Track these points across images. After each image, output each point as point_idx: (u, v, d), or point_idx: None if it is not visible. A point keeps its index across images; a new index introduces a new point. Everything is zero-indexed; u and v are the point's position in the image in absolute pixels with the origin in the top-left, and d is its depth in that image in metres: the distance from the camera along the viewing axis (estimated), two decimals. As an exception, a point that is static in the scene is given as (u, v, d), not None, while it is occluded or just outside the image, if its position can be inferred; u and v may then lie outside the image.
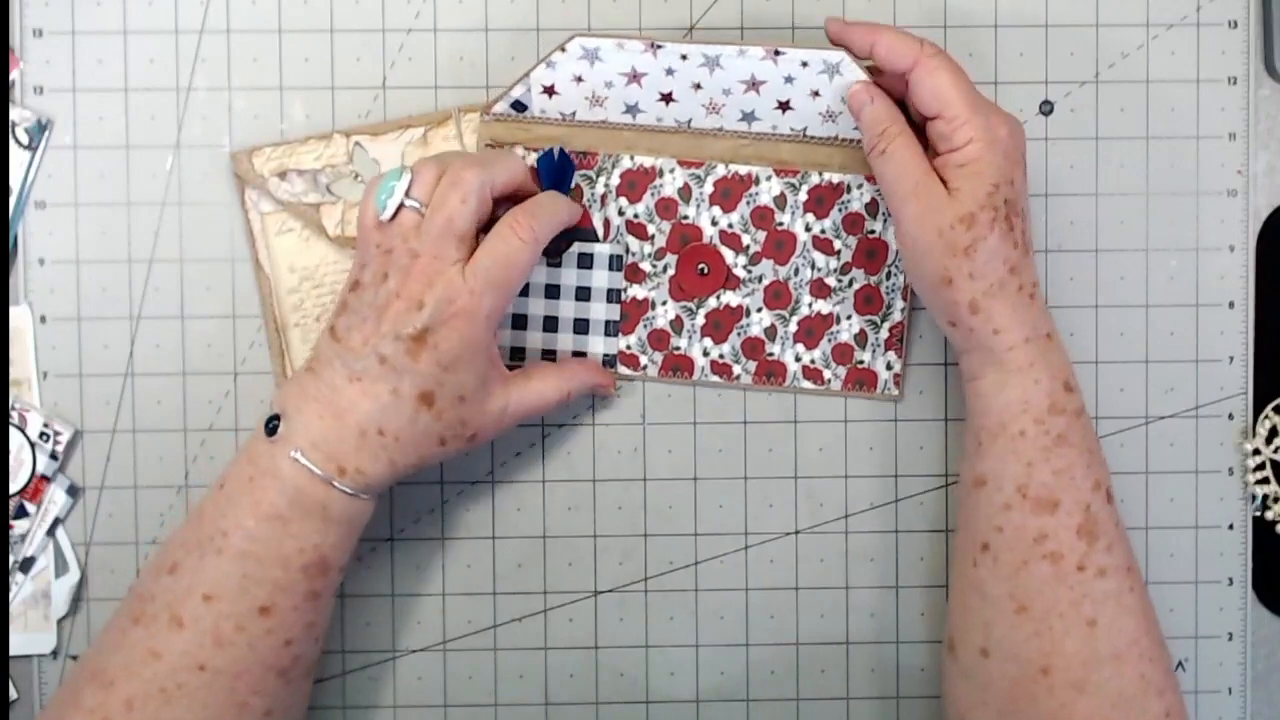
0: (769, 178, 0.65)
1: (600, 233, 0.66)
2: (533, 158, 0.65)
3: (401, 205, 0.58)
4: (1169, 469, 0.67)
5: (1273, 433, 0.67)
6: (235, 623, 0.57)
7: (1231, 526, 0.67)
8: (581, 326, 0.66)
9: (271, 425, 0.58)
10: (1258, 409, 0.67)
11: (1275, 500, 0.67)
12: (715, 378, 0.66)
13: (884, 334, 0.66)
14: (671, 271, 0.66)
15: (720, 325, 0.66)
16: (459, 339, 0.57)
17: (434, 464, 0.60)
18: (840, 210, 0.65)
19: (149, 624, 0.57)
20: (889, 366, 0.66)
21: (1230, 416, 0.67)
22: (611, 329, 0.66)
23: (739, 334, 0.66)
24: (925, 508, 0.67)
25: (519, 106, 0.65)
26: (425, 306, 0.57)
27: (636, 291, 0.66)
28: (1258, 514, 0.67)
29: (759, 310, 0.66)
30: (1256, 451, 0.67)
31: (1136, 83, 0.67)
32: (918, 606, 0.67)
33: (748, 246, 0.66)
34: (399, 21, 0.66)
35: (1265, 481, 0.67)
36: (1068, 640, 0.58)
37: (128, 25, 0.66)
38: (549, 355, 0.66)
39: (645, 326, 0.66)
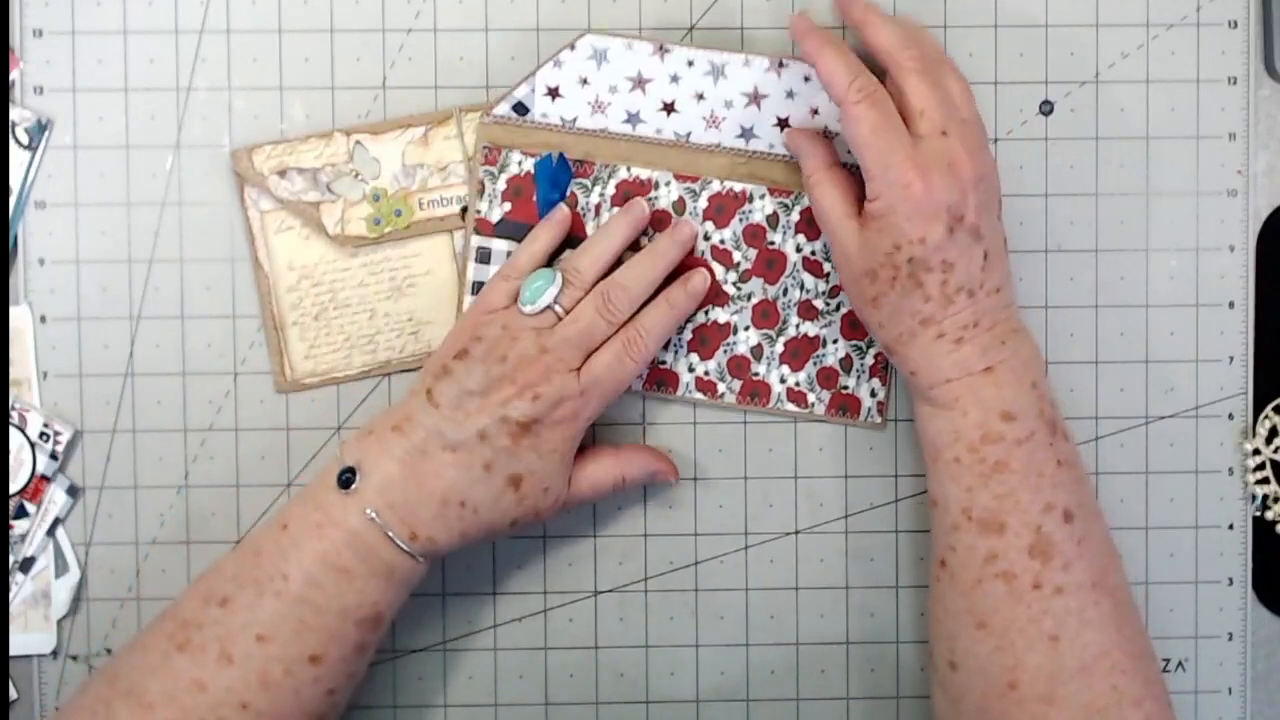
0: (763, 196, 0.65)
1: None
2: (530, 163, 0.65)
3: (548, 307, 0.60)
4: (1169, 469, 0.67)
5: (1273, 433, 0.67)
6: (284, 666, 0.57)
7: (1231, 526, 0.67)
8: None
9: (345, 478, 0.58)
10: (1258, 409, 0.67)
11: (1275, 500, 0.67)
12: (700, 395, 0.66)
13: (869, 360, 0.66)
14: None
15: (707, 341, 0.66)
16: (560, 437, 0.59)
17: (490, 539, 0.62)
18: None
19: (196, 654, 0.57)
20: (873, 394, 0.66)
21: (1230, 416, 0.67)
22: None
23: (725, 351, 0.66)
24: (925, 508, 0.67)
25: (520, 109, 0.65)
26: (540, 399, 0.59)
27: None
28: (1258, 514, 0.67)
29: (746, 328, 0.66)
30: (1256, 451, 0.67)
31: (1136, 83, 0.67)
32: (918, 606, 0.67)
33: (738, 263, 0.66)
34: (399, 21, 0.66)
35: (1265, 481, 0.67)
36: (1030, 655, 0.57)
37: (128, 25, 0.66)
38: None
39: None
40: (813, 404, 0.66)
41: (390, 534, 0.58)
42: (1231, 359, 0.67)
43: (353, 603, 0.58)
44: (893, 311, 0.59)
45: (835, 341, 0.66)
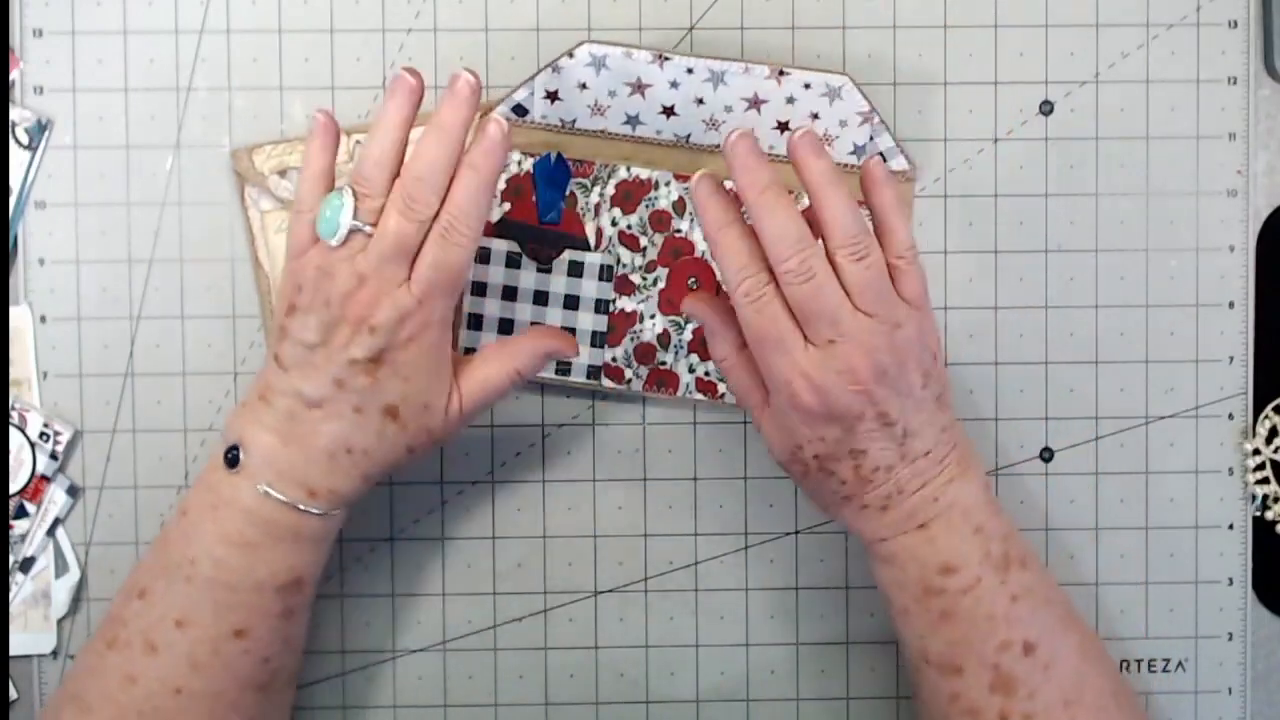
0: None
1: (592, 242, 0.66)
2: (529, 163, 0.65)
3: (351, 231, 0.56)
4: (1169, 469, 0.67)
5: (1273, 433, 0.67)
6: (210, 647, 0.57)
7: (1231, 526, 0.67)
8: None
9: (231, 456, 0.57)
10: (1258, 409, 0.67)
11: (1275, 500, 0.67)
12: (700, 395, 0.66)
13: None
14: (662, 285, 0.66)
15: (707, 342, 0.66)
16: (416, 354, 0.56)
17: (403, 469, 0.60)
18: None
19: (123, 650, 0.57)
20: None
21: (1230, 416, 0.67)
22: (598, 340, 0.66)
23: None
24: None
25: (519, 110, 0.65)
26: (377, 330, 0.56)
27: (625, 303, 0.66)
28: (1258, 514, 0.67)
29: None
30: (1256, 451, 0.67)
31: (1136, 83, 0.67)
32: (918, 606, 0.67)
33: None
34: (399, 21, 0.66)
35: (1265, 481, 0.67)
36: None
37: (128, 25, 0.66)
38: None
39: (632, 339, 0.66)
40: None
41: (287, 501, 0.57)
42: (1231, 359, 0.67)
43: (265, 574, 0.57)
44: (814, 492, 0.59)
45: None
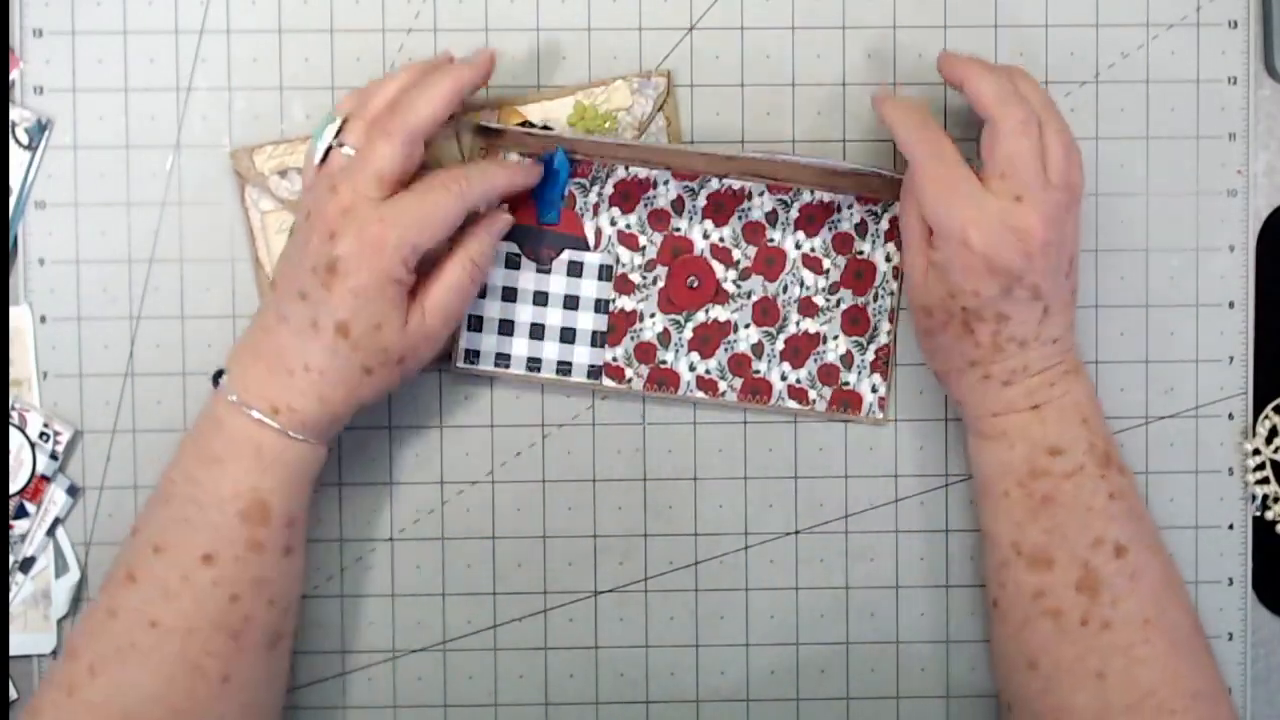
0: (761, 193, 0.65)
1: (591, 242, 0.66)
2: (528, 164, 0.65)
3: (331, 148, 0.59)
4: (1169, 469, 0.67)
5: (1273, 433, 0.67)
6: (180, 572, 0.57)
7: (1231, 526, 0.67)
8: (568, 335, 0.66)
9: (217, 376, 0.60)
10: (1258, 409, 0.67)
11: (1275, 500, 0.67)
12: (701, 393, 0.66)
13: (870, 356, 0.66)
14: (661, 284, 0.66)
15: (708, 340, 0.66)
16: (368, 269, 0.57)
17: (373, 398, 0.60)
18: (830, 229, 0.66)
19: (108, 584, 0.59)
20: (874, 389, 0.66)
21: (1230, 416, 0.67)
22: (598, 339, 0.66)
23: (726, 349, 0.66)
24: (925, 508, 0.67)
25: None
26: (336, 235, 0.57)
27: (625, 303, 0.66)
28: (1258, 514, 0.67)
29: (747, 326, 0.66)
30: (1256, 451, 0.67)
31: (1136, 83, 0.67)
32: (918, 607, 0.67)
33: (738, 261, 0.66)
34: (399, 21, 0.66)
35: (1265, 481, 0.67)
36: (1077, 695, 0.57)
37: (128, 25, 0.66)
38: (534, 363, 0.66)
39: (632, 338, 0.66)
40: (814, 401, 0.66)
41: (250, 411, 0.58)
42: (1231, 359, 0.67)
43: (229, 491, 0.58)
44: (943, 348, 0.60)
45: (836, 338, 0.66)
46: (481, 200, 0.61)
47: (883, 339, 0.66)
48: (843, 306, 0.66)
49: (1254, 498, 0.67)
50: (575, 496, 0.67)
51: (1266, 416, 0.67)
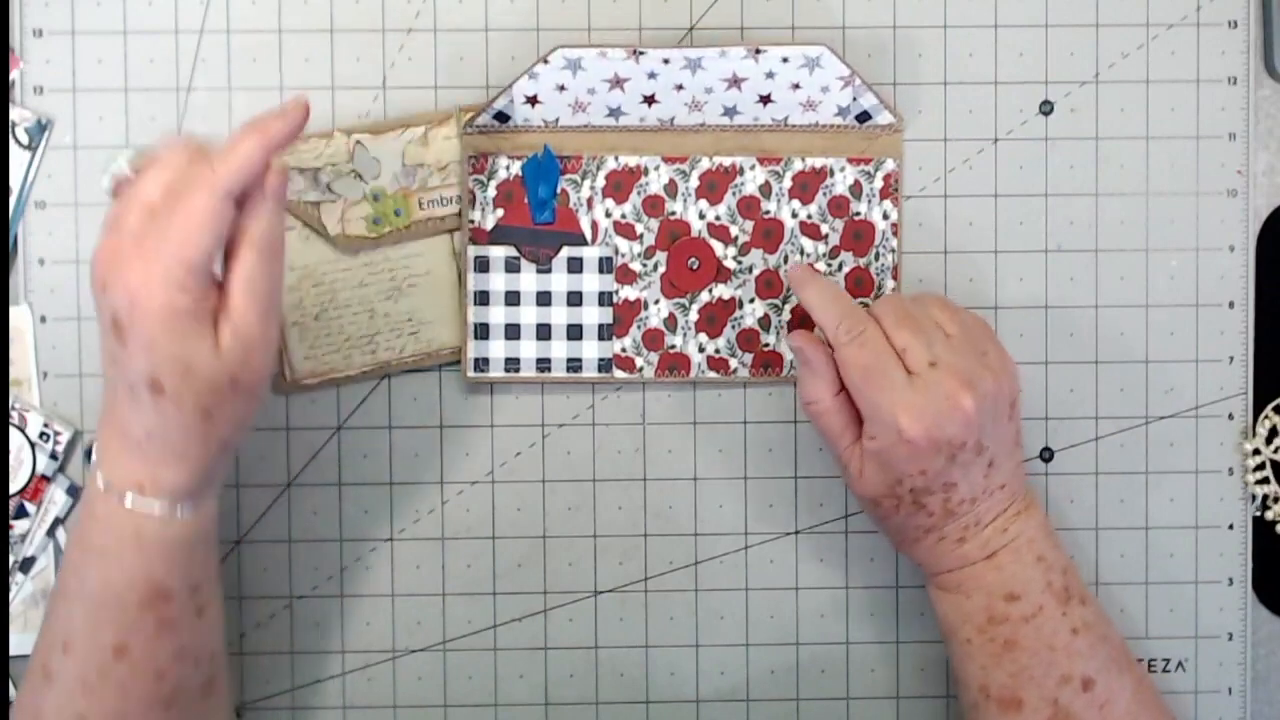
0: (753, 167, 0.65)
1: (589, 236, 0.66)
2: (517, 166, 0.65)
3: (117, 177, 0.54)
4: (1169, 469, 0.67)
5: (1273, 433, 0.67)
6: (96, 669, 0.54)
7: (1231, 526, 0.67)
8: (575, 332, 0.66)
9: (89, 453, 0.56)
10: (1258, 409, 0.67)
11: (1275, 500, 0.67)
12: (713, 373, 0.66)
13: None
14: (662, 269, 0.66)
15: (714, 319, 0.66)
16: (145, 315, 0.51)
17: (236, 431, 0.55)
18: (825, 194, 0.66)
19: (28, 682, 0.57)
20: None
21: (1230, 416, 0.67)
22: (605, 333, 0.66)
23: (734, 326, 0.66)
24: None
25: (501, 117, 0.65)
26: (108, 287, 0.52)
27: (628, 293, 0.66)
28: (1258, 514, 0.67)
29: (751, 301, 0.66)
30: (1256, 451, 0.67)
31: (1136, 83, 0.67)
32: (918, 607, 0.67)
33: (736, 237, 0.66)
34: (399, 21, 0.66)
35: (1265, 481, 0.67)
36: None
37: (128, 25, 0.66)
38: (543, 364, 0.66)
39: (639, 327, 0.66)
40: None
41: (123, 497, 0.53)
42: (1231, 359, 0.67)
43: (122, 584, 0.54)
44: (897, 528, 0.60)
45: None
46: (240, 177, 0.53)
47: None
48: (845, 269, 0.66)
49: (1254, 498, 0.67)
50: (575, 496, 0.67)
51: (1266, 416, 0.67)
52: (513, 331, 0.66)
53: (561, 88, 0.64)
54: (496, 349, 0.66)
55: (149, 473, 0.54)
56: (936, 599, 0.61)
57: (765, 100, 0.64)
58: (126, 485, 0.54)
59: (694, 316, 0.66)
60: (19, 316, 0.66)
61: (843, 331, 0.58)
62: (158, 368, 0.52)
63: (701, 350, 0.66)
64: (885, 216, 0.66)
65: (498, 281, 0.66)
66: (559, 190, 0.65)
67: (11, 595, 0.65)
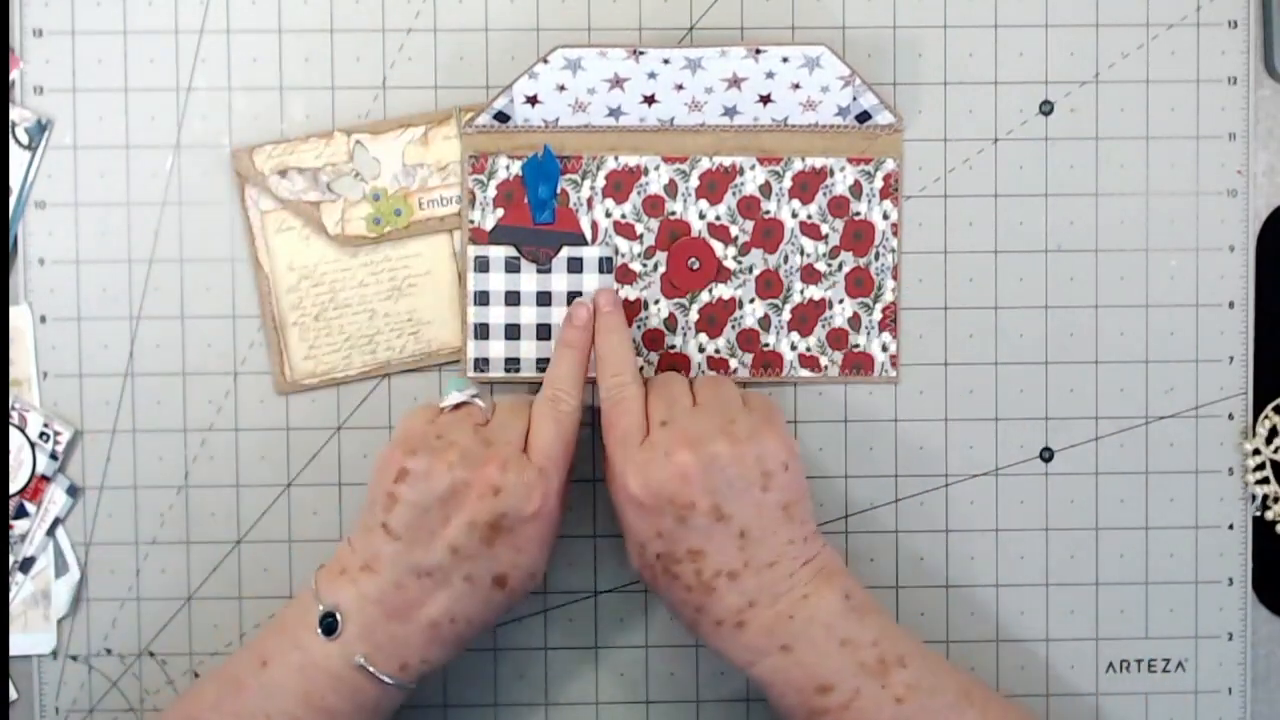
0: (753, 167, 0.65)
1: (589, 236, 0.66)
2: (517, 166, 0.65)
3: (465, 402, 0.60)
4: (1169, 469, 0.67)
5: (1273, 433, 0.67)
6: None
7: (1231, 526, 0.67)
8: None
9: (328, 623, 0.57)
10: (1258, 409, 0.67)
11: (1275, 500, 0.67)
12: (712, 374, 0.66)
13: (877, 315, 0.66)
14: (662, 269, 0.66)
15: (714, 319, 0.66)
16: (535, 526, 0.58)
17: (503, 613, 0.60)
18: (825, 194, 0.66)
19: None
20: (885, 348, 0.66)
21: (1230, 416, 0.67)
22: None
23: (733, 326, 0.66)
24: (925, 508, 0.67)
25: (501, 117, 0.65)
26: (502, 492, 0.57)
27: (628, 293, 0.66)
28: (1258, 514, 0.67)
29: (752, 301, 0.66)
30: (1256, 451, 0.67)
31: (1136, 83, 0.67)
32: (918, 606, 0.67)
33: (736, 237, 0.66)
34: (399, 21, 0.66)
35: (1265, 481, 0.67)
36: None
37: (128, 25, 0.66)
38: (543, 363, 0.66)
39: (639, 327, 0.66)
40: (826, 367, 0.66)
41: (379, 675, 0.57)
42: (1231, 359, 0.67)
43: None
44: (670, 606, 0.60)
45: (841, 301, 0.66)
46: (581, 391, 0.61)
47: (888, 296, 0.66)
48: (845, 269, 0.66)
49: (1254, 498, 0.67)
50: (575, 496, 0.67)
51: (1266, 416, 0.67)
52: (513, 331, 0.66)
53: (561, 88, 0.64)
54: (496, 349, 0.66)
55: (424, 653, 0.58)
56: (755, 688, 0.60)
57: (765, 100, 0.64)
58: (391, 667, 0.57)
59: (694, 316, 0.66)
60: (19, 316, 0.66)
61: (604, 388, 0.60)
62: (517, 566, 0.58)
63: (701, 350, 0.66)
64: (885, 216, 0.66)
65: (498, 281, 0.66)
66: (559, 190, 0.65)
67: (11, 595, 0.65)
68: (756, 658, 0.57)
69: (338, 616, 0.57)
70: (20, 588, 0.66)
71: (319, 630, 0.57)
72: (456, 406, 0.60)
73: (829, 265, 0.66)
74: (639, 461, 0.57)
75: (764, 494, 0.57)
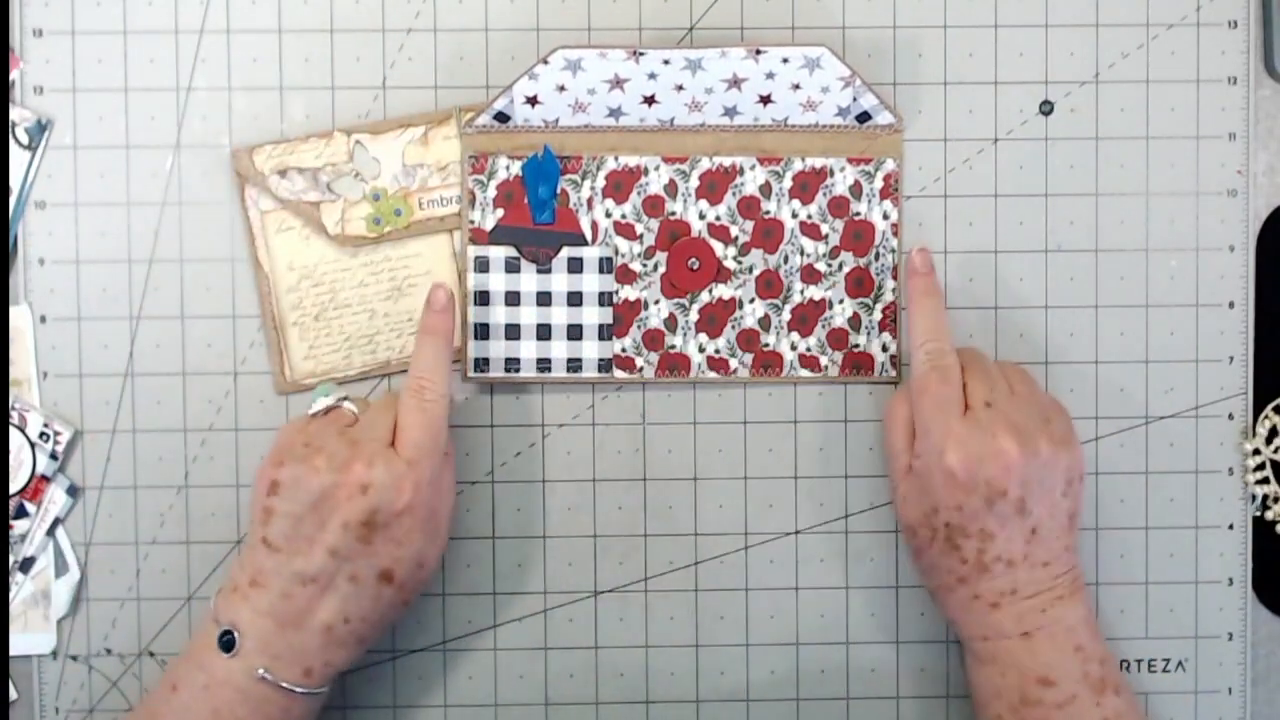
0: (753, 167, 0.66)
1: (589, 236, 0.66)
2: (517, 166, 0.65)
3: (334, 406, 0.61)
4: (1169, 469, 0.67)
5: (1273, 433, 0.67)
6: None
7: (1231, 526, 0.67)
8: (575, 332, 0.66)
9: (225, 640, 0.57)
10: (1258, 409, 0.67)
11: (1275, 500, 0.67)
12: (712, 374, 0.66)
13: (877, 315, 0.66)
14: (662, 269, 0.66)
15: (714, 319, 0.66)
16: (410, 518, 0.58)
17: (397, 624, 0.62)
18: (825, 194, 0.66)
19: None
20: (884, 348, 0.66)
21: (1230, 416, 0.67)
22: (605, 333, 0.66)
23: (733, 326, 0.66)
24: None
25: (501, 117, 0.65)
26: (370, 489, 0.57)
27: (628, 293, 0.66)
28: (1258, 514, 0.67)
29: (751, 301, 0.66)
30: (1256, 451, 0.67)
31: (1136, 83, 0.67)
32: (918, 606, 0.67)
33: (736, 238, 0.66)
34: (399, 21, 0.66)
35: (1265, 481, 0.67)
36: None
37: (128, 25, 0.66)
38: (543, 364, 0.66)
39: (639, 327, 0.66)
40: (826, 367, 0.66)
41: (284, 684, 0.58)
42: (1231, 359, 0.67)
43: None
44: (931, 566, 0.61)
45: (841, 302, 0.66)
46: (447, 377, 0.61)
47: (888, 296, 0.66)
48: (845, 269, 0.66)
49: (1254, 498, 0.67)
50: (575, 496, 0.67)
51: (1266, 416, 0.67)
52: (513, 332, 0.66)
53: (561, 88, 0.64)
54: (496, 349, 0.66)
55: (325, 656, 0.58)
56: (972, 669, 0.61)
57: (765, 100, 0.64)
58: (294, 674, 0.58)
59: (694, 316, 0.66)
60: (19, 316, 0.66)
61: (922, 352, 0.61)
62: (400, 560, 0.58)
63: (701, 350, 0.66)
64: (885, 216, 0.66)
65: (498, 282, 0.66)
66: (559, 190, 0.65)
67: (11, 595, 0.65)
68: (995, 635, 0.59)
69: (235, 634, 0.58)
70: (20, 588, 0.66)
71: (219, 648, 0.58)
72: (326, 411, 0.61)
73: (829, 265, 0.66)
74: (960, 435, 0.58)
75: (1062, 499, 0.59)
